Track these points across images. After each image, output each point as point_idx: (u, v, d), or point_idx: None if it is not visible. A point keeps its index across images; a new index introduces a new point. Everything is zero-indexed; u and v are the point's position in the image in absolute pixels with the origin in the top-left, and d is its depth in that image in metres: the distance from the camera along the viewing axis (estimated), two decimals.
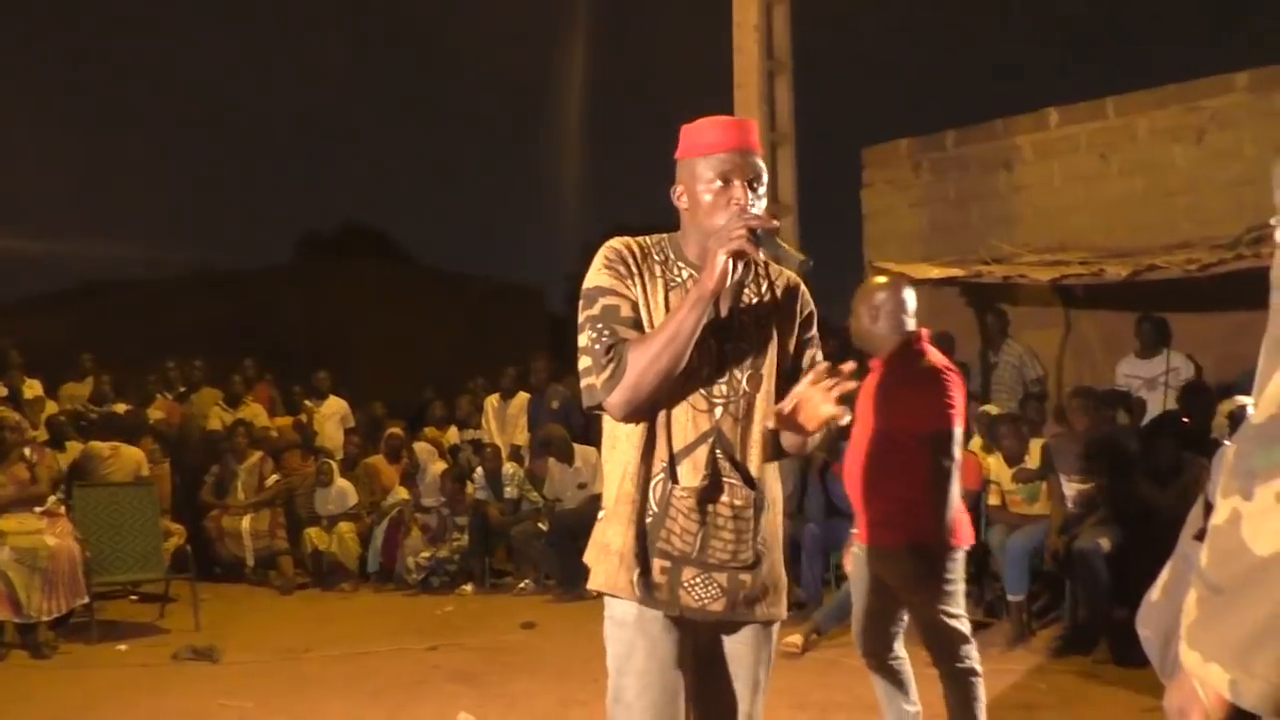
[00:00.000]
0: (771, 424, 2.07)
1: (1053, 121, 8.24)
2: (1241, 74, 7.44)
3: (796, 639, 5.43)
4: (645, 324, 2.04)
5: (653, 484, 2.05)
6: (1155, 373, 7.02)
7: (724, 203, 2.05)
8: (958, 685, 3.22)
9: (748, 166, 2.06)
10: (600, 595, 2.11)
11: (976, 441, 6.55)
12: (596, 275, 2.08)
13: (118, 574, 6.88)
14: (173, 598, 7.27)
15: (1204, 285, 6.63)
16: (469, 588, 7.90)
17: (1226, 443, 1.11)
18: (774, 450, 2.13)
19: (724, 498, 2.05)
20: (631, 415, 2.02)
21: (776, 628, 2.19)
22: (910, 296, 3.32)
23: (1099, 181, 7.98)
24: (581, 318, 2.06)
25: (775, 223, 2.05)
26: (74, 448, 8.03)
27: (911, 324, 3.28)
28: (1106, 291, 7.28)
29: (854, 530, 3.43)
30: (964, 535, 3.21)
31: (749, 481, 2.08)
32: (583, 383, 2.04)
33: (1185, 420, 5.86)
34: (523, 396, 9.04)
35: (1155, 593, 1.24)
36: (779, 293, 2.18)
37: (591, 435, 7.73)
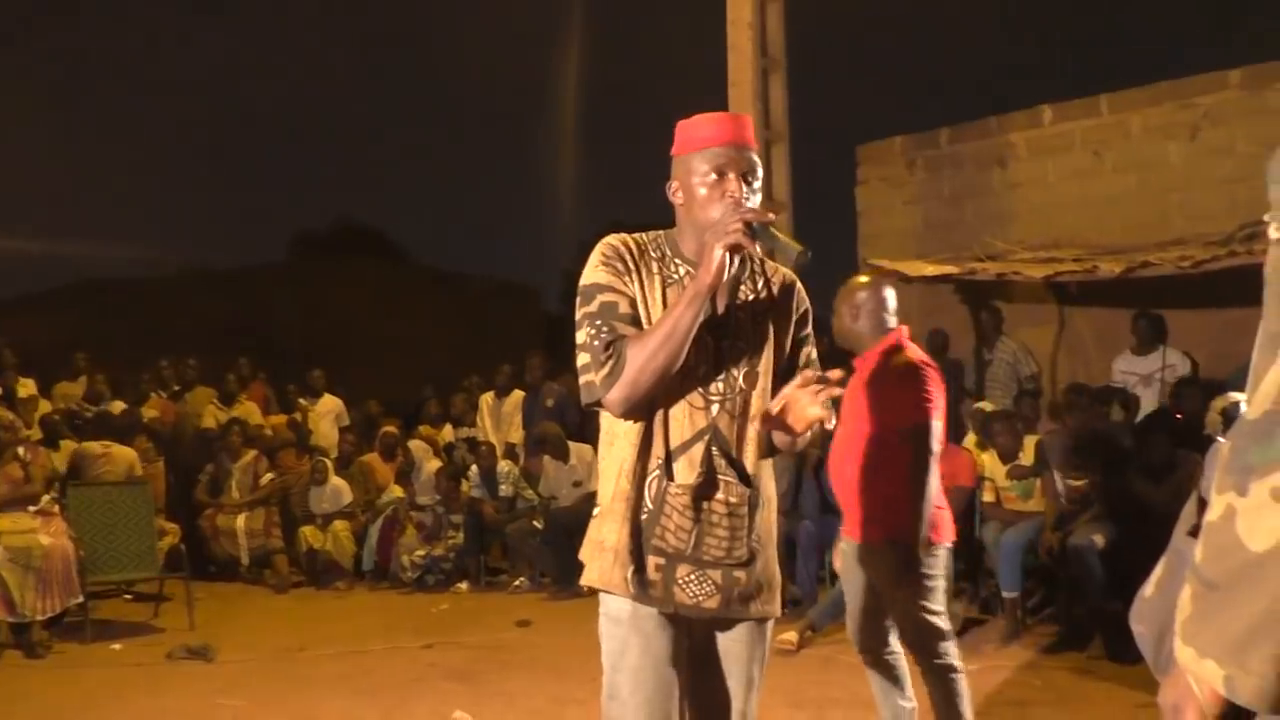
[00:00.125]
0: (759, 425, 2.07)
1: (1046, 119, 8.25)
2: (1235, 71, 7.45)
3: (792, 636, 5.43)
4: (643, 321, 2.04)
5: (648, 481, 2.05)
6: (1151, 369, 7.02)
7: (719, 196, 2.05)
8: (939, 681, 3.24)
9: (742, 160, 2.06)
10: (595, 592, 2.11)
11: (971, 438, 6.56)
12: (594, 272, 2.07)
13: (112, 573, 6.86)
14: (167, 597, 7.25)
15: (1197, 282, 6.66)
16: (464, 586, 7.89)
17: (1220, 439, 1.11)
18: (766, 447, 2.13)
19: (719, 495, 2.05)
20: (630, 412, 2.02)
21: (771, 625, 2.19)
22: (891, 295, 3.34)
23: (1093, 178, 8.00)
24: (579, 314, 2.04)
25: (771, 215, 2.04)
26: (68, 447, 8.00)
27: (893, 322, 3.30)
28: (1100, 288, 7.30)
29: (843, 527, 3.44)
30: (945, 532, 3.23)
31: (744, 479, 2.08)
32: (581, 379, 2.03)
33: (1178, 416, 5.88)
34: (518, 394, 9.02)
35: (1149, 589, 1.24)
36: (775, 290, 2.17)
37: (586, 433, 7.73)
